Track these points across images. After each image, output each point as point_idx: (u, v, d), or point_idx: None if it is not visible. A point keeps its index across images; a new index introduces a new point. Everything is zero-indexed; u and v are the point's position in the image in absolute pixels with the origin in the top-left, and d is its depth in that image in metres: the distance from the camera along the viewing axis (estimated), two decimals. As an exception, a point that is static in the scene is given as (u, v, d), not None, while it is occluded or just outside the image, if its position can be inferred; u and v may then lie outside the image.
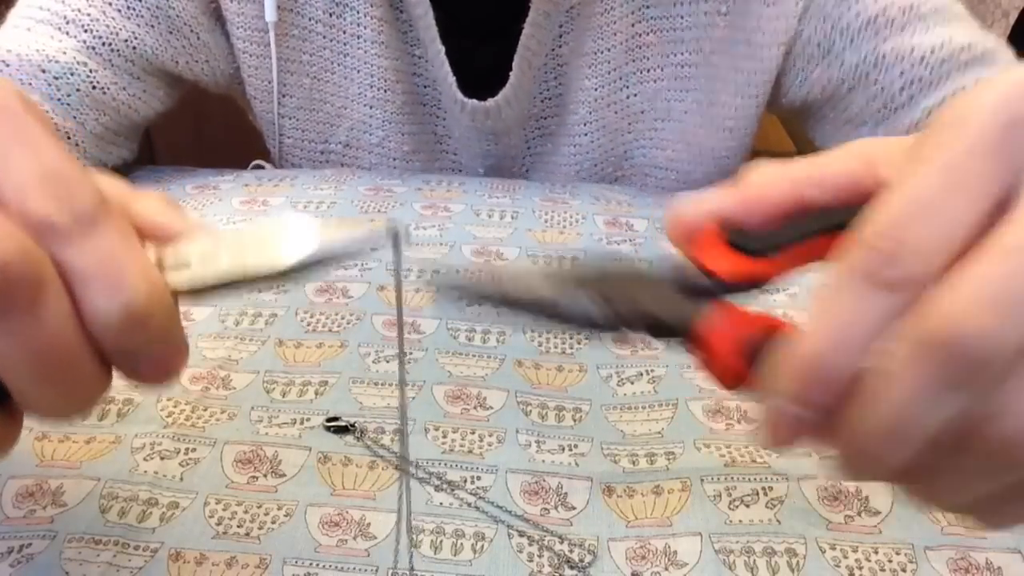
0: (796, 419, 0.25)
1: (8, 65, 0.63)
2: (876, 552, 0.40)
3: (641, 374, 0.51)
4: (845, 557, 0.40)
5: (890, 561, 0.39)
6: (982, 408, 0.23)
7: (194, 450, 0.44)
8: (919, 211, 0.23)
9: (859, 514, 0.41)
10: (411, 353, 0.51)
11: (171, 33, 0.69)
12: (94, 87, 0.66)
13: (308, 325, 0.53)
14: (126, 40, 0.67)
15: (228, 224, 0.64)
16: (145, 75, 0.70)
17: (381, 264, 0.59)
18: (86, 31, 0.66)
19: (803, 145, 2.45)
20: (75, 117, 0.66)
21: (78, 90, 0.65)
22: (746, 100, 0.74)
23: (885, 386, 0.23)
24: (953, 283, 0.22)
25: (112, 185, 0.29)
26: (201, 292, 0.29)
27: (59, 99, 0.65)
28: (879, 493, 0.42)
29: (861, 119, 0.71)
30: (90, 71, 0.66)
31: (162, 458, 0.43)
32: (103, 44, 0.66)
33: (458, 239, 0.63)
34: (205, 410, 0.46)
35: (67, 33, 0.66)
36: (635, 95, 0.75)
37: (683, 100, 0.75)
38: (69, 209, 0.26)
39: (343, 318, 0.54)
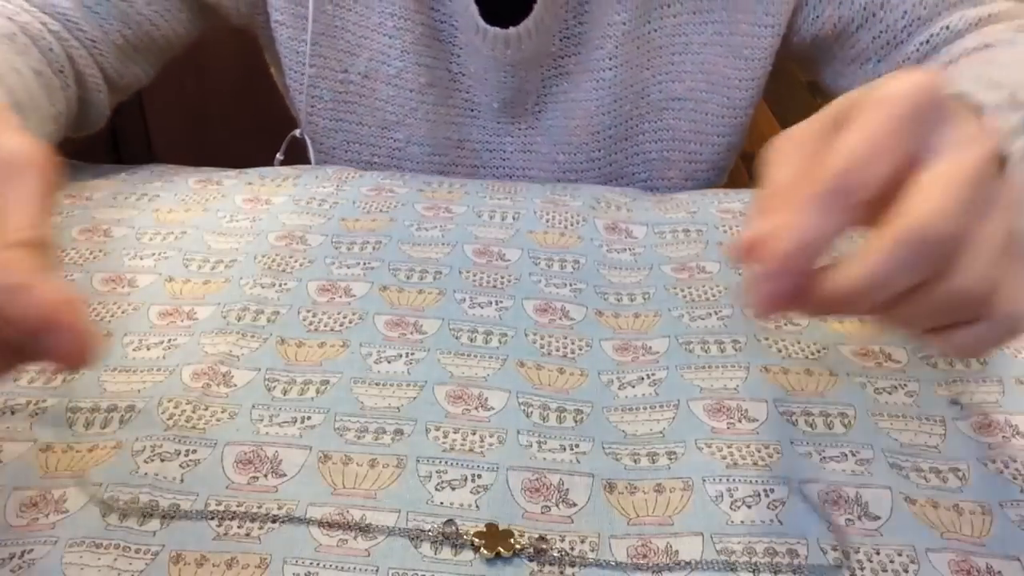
0: (783, 289, 0.36)
1: None
2: (878, 553, 0.40)
3: (642, 378, 0.51)
4: (847, 558, 0.39)
5: (892, 562, 0.39)
6: (938, 273, 0.35)
7: (194, 451, 0.44)
8: (865, 158, 0.35)
9: (859, 518, 0.41)
10: (413, 353, 0.51)
11: None
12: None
13: (310, 324, 0.53)
14: None
15: (231, 222, 0.64)
16: (179, 1, 0.72)
17: (384, 264, 0.59)
18: None
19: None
20: (101, 26, 0.68)
21: None
22: (764, 30, 0.78)
23: (878, 259, 0.34)
24: (920, 197, 0.34)
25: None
26: None
27: (88, 6, 0.67)
28: (878, 499, 0.43)
29: (866, 56, 0.77)
30: None
31: (162, 460, 0.43)
32: None
33: (460, 239, 0.63)
34: (206, 409, 0.46)
35: None
36: (655, 30, 0.77)
37: (703, 32, 0.78)
38: None
39: (345, 317, 0.54)
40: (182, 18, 0.74)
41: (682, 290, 0.58)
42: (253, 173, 0.72)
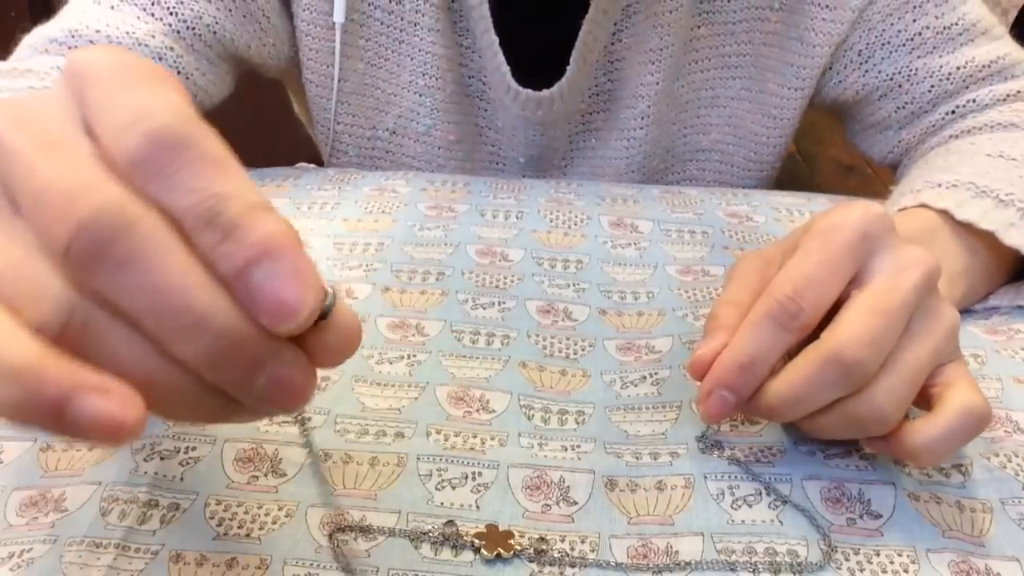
0: (726, 400, 0.42)
1: (95, 45, 0.64)
2: (878, 554, 0.39)
3: (644, 377, 0.50)
4: (847, 559, 0.39)
5: (891, 563, 0.39)
6: (855, 393, 0.40)
7: (194, 448, 0.44)
8: (810, 285, 0.40)
9: (861, 516, 0.41)
10: (414, 355, 0.51)
11: (245, 17, 0.70)
12: (179, 72, 0.67)
13: (311, 326, 0.53)
14: (208, 25, 0.68)
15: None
16: (219, 60, 0.71)
17: (386, 265, 0.59)
18: (171, 14, 0.66)
19: (803, 146, 2.45)
20: None
21: None
22: (793, 91, 0.78)
23: (799, 378, 0.40)
24: (840, 325, 0.40)
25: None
26: None
27: None
28: (881, 496, 0.42)
29: (887, 123, 0.78)
30: (177, 56, 0.67)
31: (162, 458, 0.43)
32: (187, 28, 0.67)
33: (463, 239, 0.63)
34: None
35: (153, 15, 0.66)
36: (684, 85, 0.78)
37: (730, 87, 0.79)
38: (159, 144, 0.25)
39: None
40: (228, 80, 0.73)
41: (686, 291, 0.58)
42: (253, 174, 0.72)
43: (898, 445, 0.40)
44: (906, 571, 0.39)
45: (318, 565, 0.38)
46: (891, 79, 0.75)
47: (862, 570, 0.39)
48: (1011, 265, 0.58)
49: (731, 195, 0.71)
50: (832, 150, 2.44)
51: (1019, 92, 0.73)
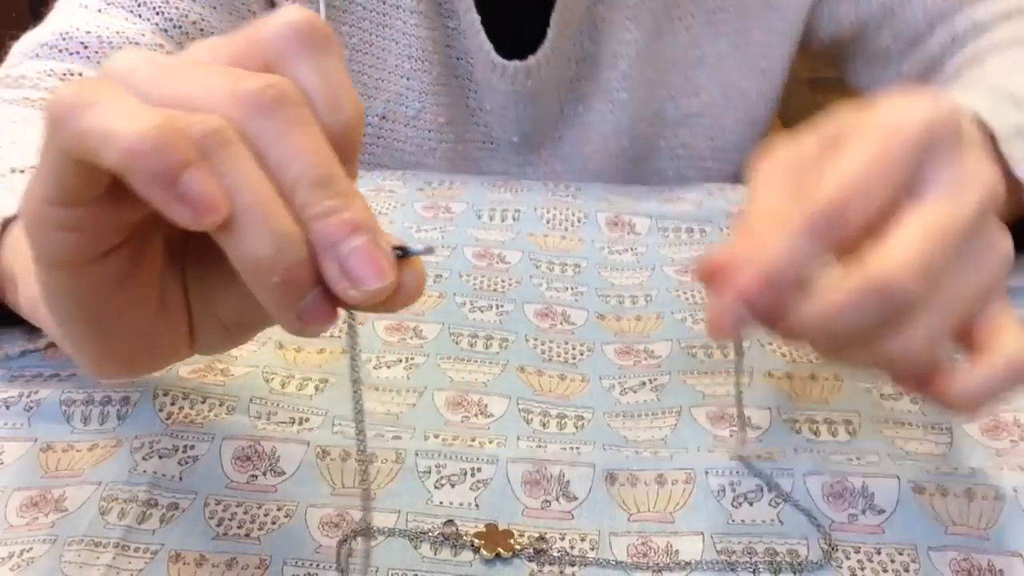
0: (741, 316, 0.35)
1: (87, 47, 0.65)
2: (879, 553, 0.39)
3: (644, 383, 0.50)
4: (847, 558, 0.39)
5: (892, 561, 0.39)
6: (888, 327, 0.34)
7: (192, 447, 0.43)
8: (856, 194, 0.34)
9: (863, 512, 0.41)
10: (412, 358, 0.51)
11: (231, 13, 0.71)
12: None
13: (309, 329, 0.53)
14: (194, 22, 0.68)
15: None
16: None
17: (383, 268, 0.59)
18: (158, 13, 0.67)
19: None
20: None
21: None
22: (779, 37, 0.78)
23: (834, 299, 0.34)
24: (891, 248, 0.33)
25: None
26: None
27: None
28: (885, 489, 0.42)
29: (887, 56, 0.77)
30: (167, 53, 0.66)
31: (161, 457, 0.43)
32: (175, 27, 0.68)
33: (460, 241, 0.62)
34: (203, 402, 0.46)
35: (140, 16, 0.67)
36: (668, 45, 0.77)
37: (717, 44, 0.78)
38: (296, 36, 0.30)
39: (344, 322, 0.54)
40: None
41: (685, 292, 0.58)
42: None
43: (938, 391, 0.36)
44: (907, 570, 0.39)
45: (318, 565, 0.38)
46: (883, 6, 0.75)
47: (863, 569, 0.39)
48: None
49: (730, 190, 0.71)
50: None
51: (1019, 8, 0.71)
